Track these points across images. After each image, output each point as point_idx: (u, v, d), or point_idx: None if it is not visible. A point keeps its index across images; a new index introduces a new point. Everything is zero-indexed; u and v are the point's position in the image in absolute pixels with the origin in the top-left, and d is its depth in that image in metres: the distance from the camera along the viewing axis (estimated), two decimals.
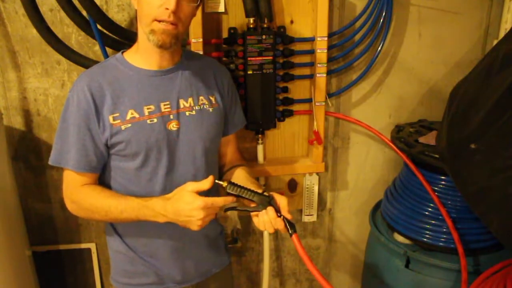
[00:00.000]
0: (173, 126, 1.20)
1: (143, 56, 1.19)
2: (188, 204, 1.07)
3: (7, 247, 1.52)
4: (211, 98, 1.27)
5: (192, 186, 1.09)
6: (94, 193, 1.18)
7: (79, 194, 1.18)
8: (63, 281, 1.94)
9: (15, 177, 1.66)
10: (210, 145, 1.27)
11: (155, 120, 1.18)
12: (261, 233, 1.97)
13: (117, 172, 1.21)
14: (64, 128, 1.17)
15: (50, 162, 1.19)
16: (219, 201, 1.09)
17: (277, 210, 1.10)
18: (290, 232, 1.08)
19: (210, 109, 1.26)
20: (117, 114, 1.16)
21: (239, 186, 1.11)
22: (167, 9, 1.08)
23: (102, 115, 1.15)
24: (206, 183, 1.09)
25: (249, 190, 1.11)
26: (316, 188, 1.93)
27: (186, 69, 1.24)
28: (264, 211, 1.09)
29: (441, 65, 1.91)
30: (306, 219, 1.99)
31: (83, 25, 1.53)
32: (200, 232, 1.23)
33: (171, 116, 1.20)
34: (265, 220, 1.09)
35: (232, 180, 1.17)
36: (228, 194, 1.11)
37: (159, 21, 1.10)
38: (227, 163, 1.41)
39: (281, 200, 1.10)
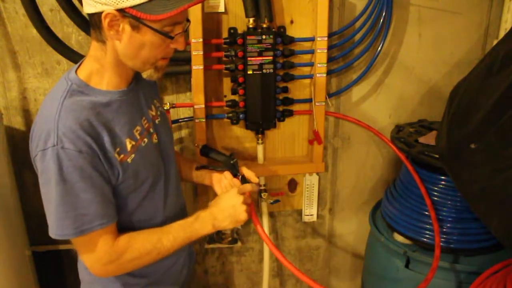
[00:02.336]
0: (155, 139, 1.16)
1: (113, 78, 1.06)
2: (226, 196, 1.18)
3: (7, 247, 1.52)
4: (158, 99, 1.26)
5: (222, 190, 1.28)
6: (134, 239, 1.08)
7: (118, 250, 1.05)
8: (63, 281, 1.94)
9: (15, 177, 1.66)
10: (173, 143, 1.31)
11: (146, 140, 1.12)
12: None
13: (125, 202, 1.10)
14: (68, 191, 0.97)
15: (68, 237, 1.00)
16: (247, 187, 1.23)
17: (237, 170, 1.29)
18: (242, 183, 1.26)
19: (163, 110, 1.26)
20: (119, 148, 1.04)
21: (210, 148, 1.41)
22: (175, 49, 1.05)
23: (107, 154, 1.01)
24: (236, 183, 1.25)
25: (217, 151, 1.38)
26: (316, 188, 1.93)
27: (139, 80, 1.15)
28: (222, 176, 1.29)
29: (441, 65, 1.91)
30: (306, 219, 1.99)
31: (83, 25, 1.53)
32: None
33: (151, 130, 1.15)
34: (225, 184, 1.28)
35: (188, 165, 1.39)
36: (201, 152, 1.43)
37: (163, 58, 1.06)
38: None
39: (244, 169, 1.29)
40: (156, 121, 1.19)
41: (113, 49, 1.02)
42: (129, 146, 1.06)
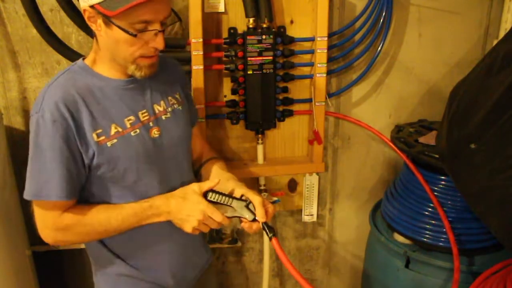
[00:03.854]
0: (155, 133, 1.16)
1: (111, 67, 1.11)
2: (192, 203, 1.10)
3: (7, 247, 1.52)
4: (177, 96, 1.25)
5: (197, 187, 1.12)
6: (85, 212, 1.09)
7: (65, 220, 1.08)
8: (63, 281, 1.94)
9: (15, 177, 1.66)
10: (188, 143, 1.28)
11: (138, 131, 1.12)
12: (261, 233, 1.97)
13: (110, 193, 1.13)
14: (39, 155, 1.03)
15: (28, 197, 1.06)
16: (218, 216, 1.09)
17: (254, 213, 1.10)
18: (269, 236, 1.08)
19: (180, 108, 1.24)
20: (100, 130, 1.07)
21: (219, 193, 1.13)
22: (154, 47, 1.05)
23: (83, 133, 1.05)
24: (209, 184, 1.12)
25: (227, 196, 1.12)
26: (316, 188, 1.93)
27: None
28: (243, 222, 1.12)
29: (441, 65, 1.91)
30: (306, 219, 1.99)
31: (83, 25, 1.53)
32: (199, 237, 1.29)
33: (151, 124, 1.15)
34: (245, 227, 1.12)
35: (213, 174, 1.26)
36: (208, 201, 1.12)
37: (144, 57, 1.07)
38: (198, 157, 1.39)
39: (255, 199, 1.10)
40: (163, 117, 1.18)
41: (101, 42, 1.08)
42: (113, 131, 1.09)
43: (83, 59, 1.14)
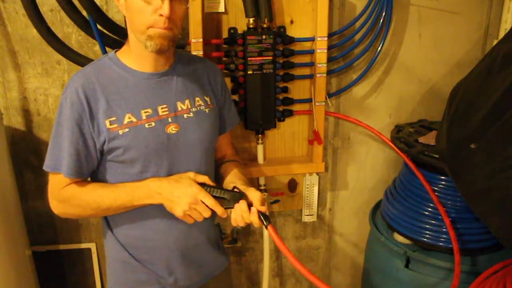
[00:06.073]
0: (172, 129, 1.17)
1: (137, 59, 1.16)
2: (184, 186, 1.11)
3: (7, 247, 1.52)
4: (206, 98, 1.26)
5: (193, 174, 1.15)
6: (83, 188, 1.16)
7: (66, 193, 1.15)
8: (63, 281, 1.94)
9: (15, 177, 1.66)
10: (208, 146, 1.27)
11: (153, 124, 1.15)
12: (261, 233, 1.97)
13: (117, 178, 1.17)
14: (59, 133, 1.13)
15: (45, 168, 1.15)
16: (211, 201, 1.10)
17: (250, 204, 1.11)
18: (265, 224, 1.09)
19: (207, 110, 1.25)
20: (114, 118, 1.12)
21: (211, 186, 1.14)
22: (161, 15, 1.06)
23: (97, 119, 1.12)
24: (204, 178, 1.15)
25: (220, 188, 1.14)
26: (316, 188, 1.93)
27: (180, 71, 1.22)
28: (237, 205, 1.11)
29: (441, 65, 1.91)
30: (306, 219, 1.99)
31: (83, 25, 1.53)
32: (204, 235, 1.29)
33: (170, 119, 1.17)
34: (237, 214, 1.11)
35: (228, 178, 1.27)
36: None
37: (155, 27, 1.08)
38: (221, 157, 1.41)
39: (255, 194, 1.12)
40: (184, 115, 1.20)
41: (127, 22, 1.13)
42: (126, 120, 1.13)
43: (116, 51, 1.20)
